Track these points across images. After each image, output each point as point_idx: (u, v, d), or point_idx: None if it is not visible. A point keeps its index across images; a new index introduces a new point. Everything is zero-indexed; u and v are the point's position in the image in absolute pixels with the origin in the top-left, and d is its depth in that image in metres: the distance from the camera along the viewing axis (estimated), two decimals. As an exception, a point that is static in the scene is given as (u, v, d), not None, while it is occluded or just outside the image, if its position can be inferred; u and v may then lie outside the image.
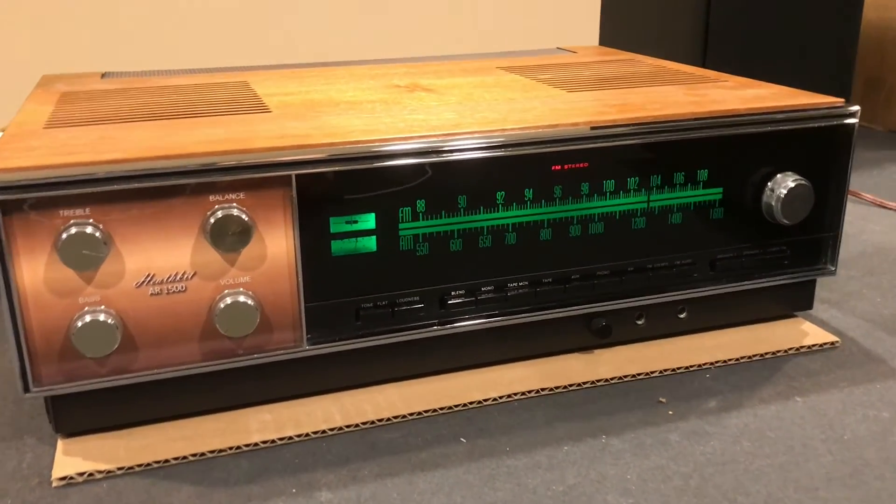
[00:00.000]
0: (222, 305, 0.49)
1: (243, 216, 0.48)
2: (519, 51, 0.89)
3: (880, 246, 0.82)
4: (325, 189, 0.51)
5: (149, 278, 0.48)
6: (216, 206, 0.48)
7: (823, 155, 0.61)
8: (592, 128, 0.56)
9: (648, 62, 0.80)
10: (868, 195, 0.96)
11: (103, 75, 0.77)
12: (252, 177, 0.49)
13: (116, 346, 0.48)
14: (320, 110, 0.60)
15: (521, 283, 0.57)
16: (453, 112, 0.59)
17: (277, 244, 0.50)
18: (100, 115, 0.58)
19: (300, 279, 0.51)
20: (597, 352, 0.60)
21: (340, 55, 0.94)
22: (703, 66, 0.99)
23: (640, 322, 0.61)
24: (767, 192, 0.60)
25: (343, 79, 0.73)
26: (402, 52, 0.97)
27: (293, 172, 0.49)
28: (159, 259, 0.48)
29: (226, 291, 0.50)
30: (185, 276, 0.49)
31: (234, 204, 0.49)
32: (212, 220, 0.48)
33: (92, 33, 0.95)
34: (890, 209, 0.93)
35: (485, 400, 0.54)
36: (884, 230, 0.86)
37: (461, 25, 1.15)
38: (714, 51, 1.06)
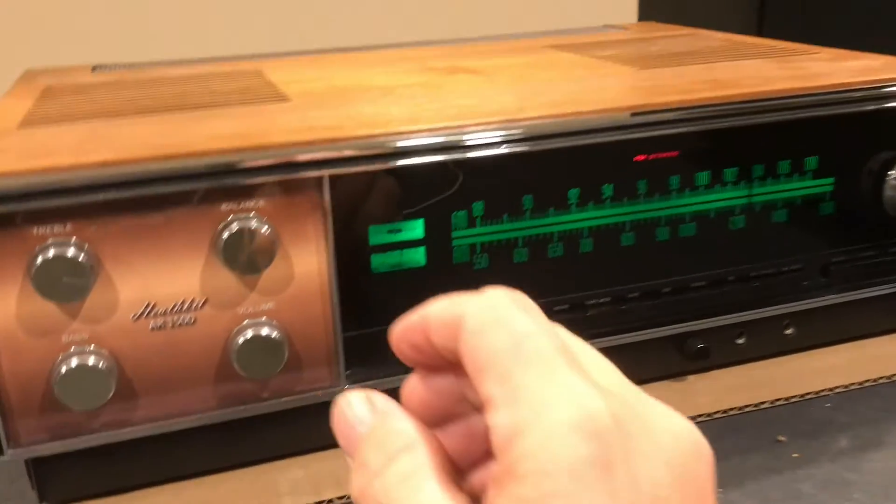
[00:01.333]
0: (241, 340, 0.40)
1: (264, 228, 0.38)
2: (564, 29, 0.79)
3: None
4: (364, 192, 0.41)
5: (149, 309, 0.39)
6: (230, 217, 0.38)
7: (953, 135, 0.51)
8: (684, 108, 0.46)
9: (717, 36, 0.70)
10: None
11: (94, 68, 0.67)
12: (274, 179, 0.39)
13: (111, 396, 0.38)
14: (349, 97, 0.50)
15: (601, 300, 0.47)
16: (511, 95, 0.49)
17: (307, 262, 0.40)
18: (87, 111, 0.49)
19: (336, 303, 0.41)
20: (690, 378, 0.50)
21: (359, 40, 0.84)
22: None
23: (739, 341, 0.51)
24: (890, 181, 0.50)
25: (369, 63, 0.63)
26: (431, 36, 0.88)
27: (325, 172, 0.39)
28: (161, 285, 0.38)
29: (245, 322, 0.40)
30: (194, 305, 0.39)
31: (253, 213, 0.39)
32: (225, 235, 0.38)
33: (82, 22, 0.86)
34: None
35: (564, 444, 0.45)
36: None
37: (483, 6, 1.05)
38: (771, 24, 0.95)
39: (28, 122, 0.46)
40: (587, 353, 0.26)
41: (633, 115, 0.45)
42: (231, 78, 0.58)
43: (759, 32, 0.97)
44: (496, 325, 0.23)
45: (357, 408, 0.26)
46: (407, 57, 0.65)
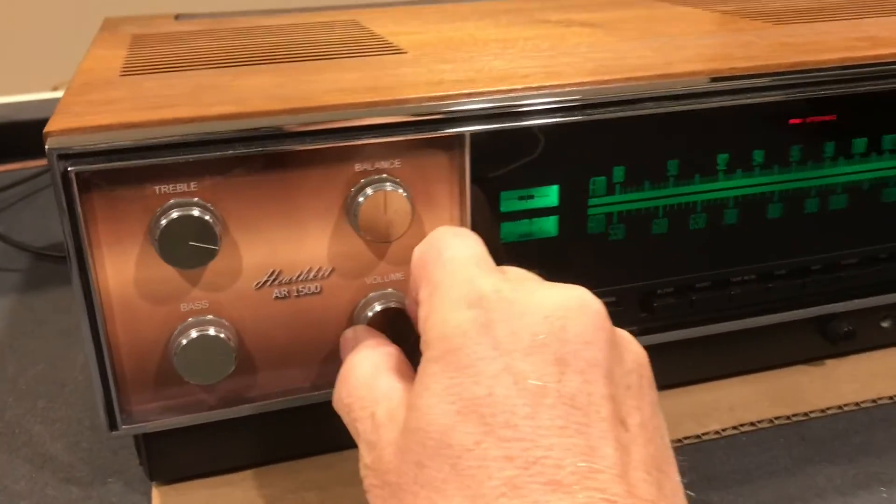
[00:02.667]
0: (369, 313, 0.36)
1: (401, 192, 0.35)
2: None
3: None
4: (502, 153, 0.37)
5: (273, 276, 0.36)
6: (363, 180, 0.35)
7: None
8: (844, 67, 0.41)
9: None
10: None
11: (177, 17, 0.64)
12: (413, 138, 0.35)
13: (232, 370, 0.35)
14: (469, 51, 0.46)
15: (745, 278, 0.43)
16: (648, 49, 0.45)
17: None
18: (190, 60, 0.45)
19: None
20: (829, 363, 0.47)
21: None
22: None
23: (885, 325, 0.47)
24: None
25: (473, 16, 0.59)
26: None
27: (467, 129, 0.36)
28: (287, 251, 0.35)
29: (371, 294, 0.37)
30: (321, 274, 0.36)
31: (386, 175, 0.35)
32: (360, 200, 0.35)
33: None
34: None
35: (704, 434, 0.41)
36: None
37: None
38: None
39: (129, 70, 0.43)
40: (509, 269, 0.32)
41: (791, 74, 0.41)
42: (331, 28, 0.55)
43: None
44: (429, 248, 0.31)
45: (349, 332, 0.36)
46: (509, 9, 0.61)
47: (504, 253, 0.39)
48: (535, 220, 0.40)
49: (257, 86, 0.39)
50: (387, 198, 0.34)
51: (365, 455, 0.29)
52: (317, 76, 0.40)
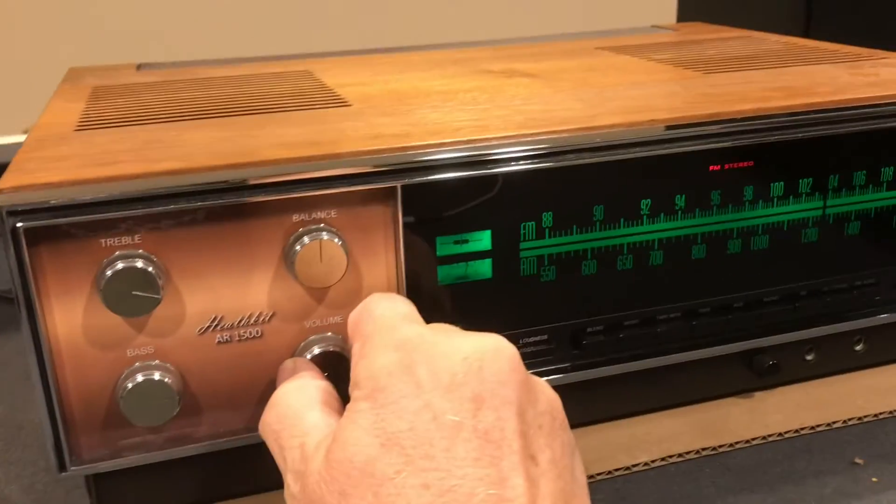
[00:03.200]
0: (308, 356, 0.38)
1: (336, 241, 0.37)
2: (612, 30, 0.77)
3: None
4: (434, 202, 0.40)
5: (216, 322, 0.37)
6: (301, 230, 0.37)
7: None
8: (760, 117, 0.44)
9: (773, 38, 0.68)
10: None
11: (139, 67, 0.66)
12: (348, 190, 0.37)
13: (176, 412, 0.37)
14: (410, 103, 0.48)
15: (672, 315, 0.45)
16: (578, 101, 0.47)
17: (376, 273, 0.39)
18: (142, 114, 0.47)
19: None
20: (758, 395, 0.49)
21: (405, 40, 0.83)
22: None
23: (809, 358, 0.49)
24: (969, 193, 0.48)
25: (422, 65, 0.62)
26: (469, 36, 0.86)
27: (399, 183, 0.38)
28: (228, 298, 0.37)
29: (311, 337, 0.39)
30: (262, 319, 0.38)
31: (324, 225, 0.38)
32: (297, 248, 0.37)
33: (119, 22, 0.85)
34: None
35: (633, 465, 0.43)
36: None
37: (530, 5, 1.03)
38: (818, 23, 0.93)
39: (84, 124, 0.45)
40: (437, 325, 0.34)
41: (710, 123, 0.43)
42: (283, 79, 0.57)
43: (806, 33, 0.95)
44: (362, 310, 0.34)
45: (284, 366, 0.37)
46: (458, 59, 0.64)
47: (442, 294, 0.41)
48: (470, 263, 0.42)
49: (203, 140, 0.41)
50: (322, 246, 0.37)
51: (291, 484, 0.31)
52: (262, 130, 0.43)
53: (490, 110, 0.46)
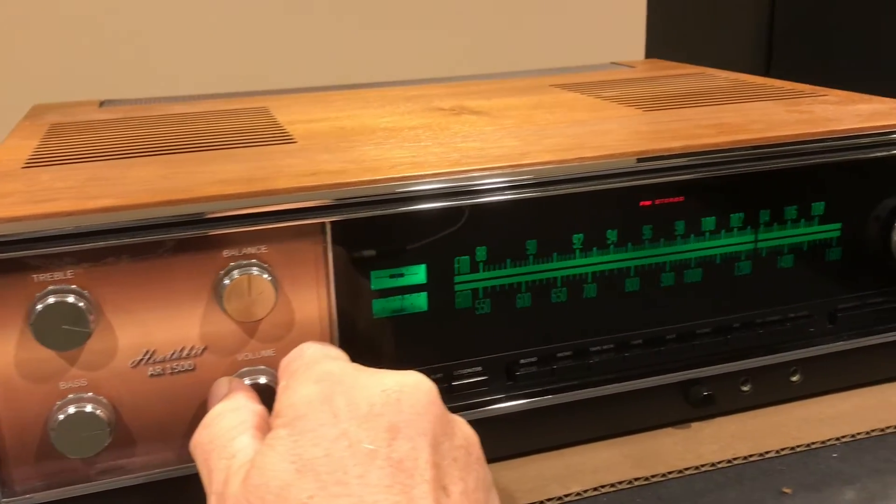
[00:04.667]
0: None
1: (265, 276, 0.38)
2: (571, 67, 0.79)
3: None
4: (366, 238, 0.41)
5: (148, 356, 0.38)
6: (232, 265, 0.38)
7: (961, 181, 0.50)
8: (689, 154, 0.46)
9: (723, 75, 0.70)
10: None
11: (102, 103, 0.67)
12: (277, 226, 0.39)
13: (108, 444, 0.38)
14: (354, 140, 0.50)
15: (604, 347, 0.46)
16: (515, 138, 0.49)
17: (308, 308, 0.40)
18: (92, 151, 0.49)
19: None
20: (695, 426, 0.50)
21: (369, 76, 0.84)
22: (768, 76, 0.89)
23: (745, 388, 0.50)
24: (898, 227, 0.49)
25: (376, 102, 0.63)
26: (435, 73, 0.88)
27: (328, 220, 0.39)
28: (160, 331, 0.38)
29: (243, 370, 0.40)
30: (194, 352, 0.39)
31: (254, 260, 0.39)
32: (226, 282, 0.38)
33: (90, 57, 0.86)
34: None
35: (566, 495, 0.44)
36: None
37: (495, 42, 1.05)
38: (779, 60, 0.95)
39: (33, 162, 0.46)
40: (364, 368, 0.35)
41: (638, 160, 0.45)
42: (237, 116, 0.59)
43: (768, 70, 0.97)
44: (294, 352, 0.35)
45: (219, 386, 0.38)
46: (412, 95, 0.66)
47: (377, 327, 0.42)
48: (406, 296, 0.43)
49: (145, 177, 0.42)
50: (250, 281, 0.38)
51: None
52: (204, 167, 0.44)
53: (429, 147, 0.47)
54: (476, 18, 1.03)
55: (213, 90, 0.74)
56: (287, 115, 0.58)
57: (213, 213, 0.38)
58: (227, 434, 0.33)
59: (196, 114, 0.60)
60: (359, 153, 0.46)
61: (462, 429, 0.33)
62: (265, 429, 0.34)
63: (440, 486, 0.30)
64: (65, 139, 0.53)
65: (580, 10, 1.08)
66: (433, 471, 0.29)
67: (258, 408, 0.35)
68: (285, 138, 0.51)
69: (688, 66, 0.78)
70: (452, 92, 0.66)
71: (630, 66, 0.80)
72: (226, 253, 0.38)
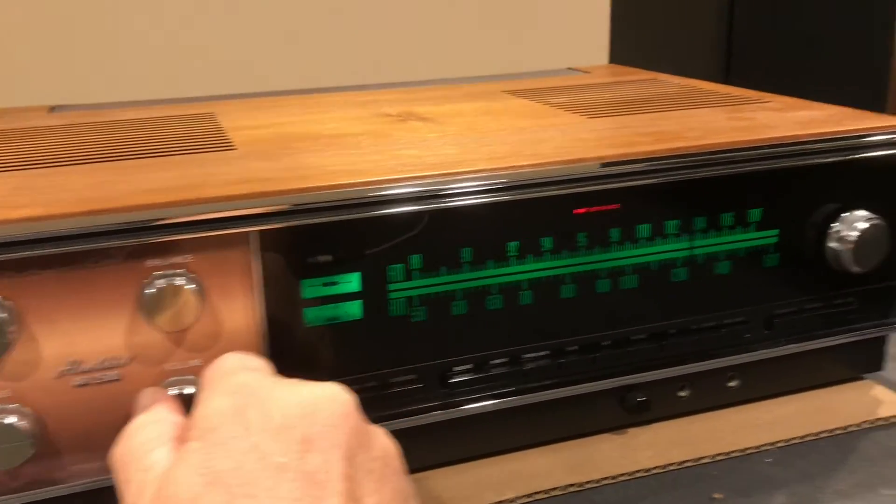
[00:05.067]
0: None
1: (190, 285, 0.38)
2: (527, 72, 0.79)
3: (944, 285, 0.71)
4: (297, 246, 0.41)
5: (73, 366, 0.38)
6: (155, 274, 0.38)
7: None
8: (623, 162, 0.46)
9: (674, 81, 0.71)
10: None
11: (52, 109, 0.67)
12: (202, 235, 0.39)
13: (32, 455, 0.38)
14: (295, 147, 0.50)
15: (539, 354, 0.47)
16: (454, 146, 0.49)
17: (236, 317, 0.40)
18: (32, 158, 0.48)
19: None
20: (632, 431, 0.50)
21: (329, 81, 0.84)
22: (727, 83, 0.90)
23: (682, 394, 0.51)
24: (832, 234, 0.50)
25: (327, 108, 0.63)
26: (398, 77, 0.88)
27: (253, 228, 0.39)
28: (85, 341, 0.38)
29: (172, 378, 0.40)
30: (120, 362, 0.39)
31: (181, 270, 0.39)
32: (149, 292, 0.38)
33: (45, 61, 0.86)
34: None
35: (500, 502, 0.44)
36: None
37: (461, 46, 1.06)
38: (737, 67, 0.96)
39: (-33, 170, 0.46)
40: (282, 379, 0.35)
41: (571, 169, 0.45)
42: (183, 122, 0.58)
43: (727, 76, 0.98)
44: (213, 364, 0.35)
45: (142, 397, 0.38)
46: (365, 101, 0.66)
47: (311, 336, 0.42)
48: (340, 304, 0.43)
49: (74, 186, 0.42)
50: (174, 291, 0.38)
51: None
52: (137, 175, 0.44)
53: (368, 155, 0.47)
54: (445, 23, 1.03)
55: (169, 95, 0.74)
56: (233, 121, 0.58)
57: (136, 222, 0.38)
58: (144, 447, 0.33)
59: (142, 120, 0.60)
60: (296, 160, 0.46)
61: (380, 440, 0.33)
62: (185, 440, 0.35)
63: (353, 499, 0.30)
64: (6, 146, 0.52)
65: (546, 16, 1.09)
66: (346, 483, 0.30)
67: (179, 419, 0.35)
68: (226, 145, 0.51)
69: (642, 71, 0.78)
70: (404, 98, 0.67)
71: (586, 71, 0.81)
72: (150, 263, 0.38)
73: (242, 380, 0.33)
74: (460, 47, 1.05)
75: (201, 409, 0.32)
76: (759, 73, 0.94)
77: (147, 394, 0.38)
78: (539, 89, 0.68)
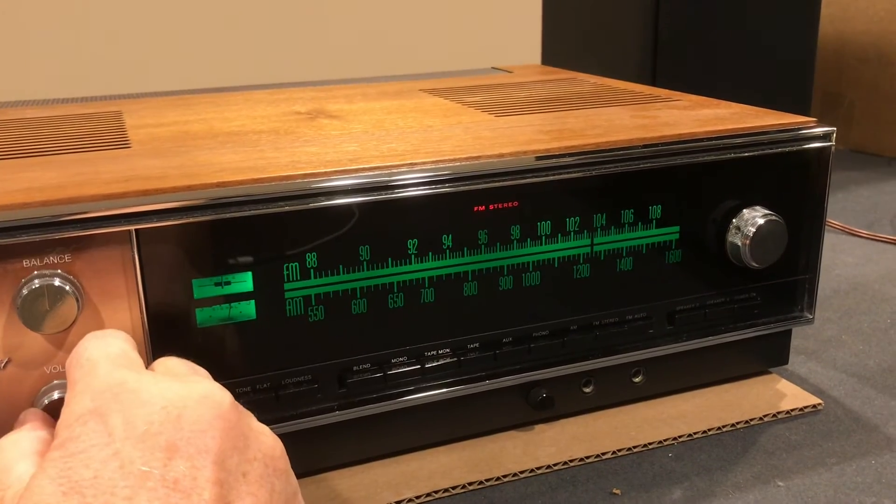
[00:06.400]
0: (46, 401, 0.38)
1: (66, 286, 0.37)
2: (450, 71, 0.79)
3: (855, 281, 0.73)
4: (183, 245, 0.40)
5: (-57, 370, 0.37)
6: (33, 274, 0.37)
7: (795, 184, 0.52)
8: (522, 159, 0.46)
9: (591, 81, 0.71)
10: (836, 222, 0.88)
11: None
12: (80, 234, 0.37)
13: None
14: (192, 144, 0.49)
15: (441, 352, 0.46)
16: (355, 143, 0.48)
17: (119, 318, 0.39)
18: (-87, 157, 0.47)
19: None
20: (538, 428, 0.50)
21: (252, 80, 0.83)
22: (654, 84, 0.91)
23: (587, 390, 0.51)
24: (732, 230, 0.50)
25: (237, 105, 0.62)
26: (322, 76, 0.87)
27: (132, 227, 0.38)
28: (-43, 344, 0.37)
29: (55, 382, 0.39)
30: (-5, 365, 0.38)
31: (59, 270, 0.37)
32: (24, 292, 0.37)
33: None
34: (861, 237, 0.85)
35: (398, 502, 0.44)
36: (857, 262, 0.78)
37: (390, 45, 1.05)
38: (663, 67, 0.97)
39: None
40: (163, 362, 0.36)
41: (469, 166, 0.45)
42: (86, 121, 0.57)
43: (654, 74, 0.99)
44: (74, 353, 0.34)
45: (21, 415, 0.36)
46: (278, 99, 0.65)
47: (202, 337, 0.41)
48: (233, 304, 0.42)
49: (-49, 185, 0.41)
50: (48, 291, 0.37)
51: None
52: (18, 174, 0.43)
53: (265, 152, 0.47)
54: (377, 20, 1.03)
55: (82, 94, 0.72)
56: (138, 119, 0.57)
57: (12, 221, 0.37)
58: (5, 465, 0.32)
59: (42, 119, 0.58)
60: (188, 158, 0.45)
61: (259, 440, 0.32)
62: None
63: (225, 503, 0.29)
64: None
65: (479, 17, 1.09)
66: (215, 488, 0.29)
67: (43, 434, 0.34)
68: (122, 143, 0.49)
69: (564, 71, 0.79)
70: (318, 96, 0.66)
71: (508, 71, 0.81)
72: (27, 263, 0.37)
73: (105, 382, 0.31)
74: (392, 48, 1.04)
75: (64, 414, 0.31)
76: (683, 75, 0.95)
77: (19, 417, 0.37)
78: (454, 88, 0.68)
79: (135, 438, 0.29)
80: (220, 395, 0.31)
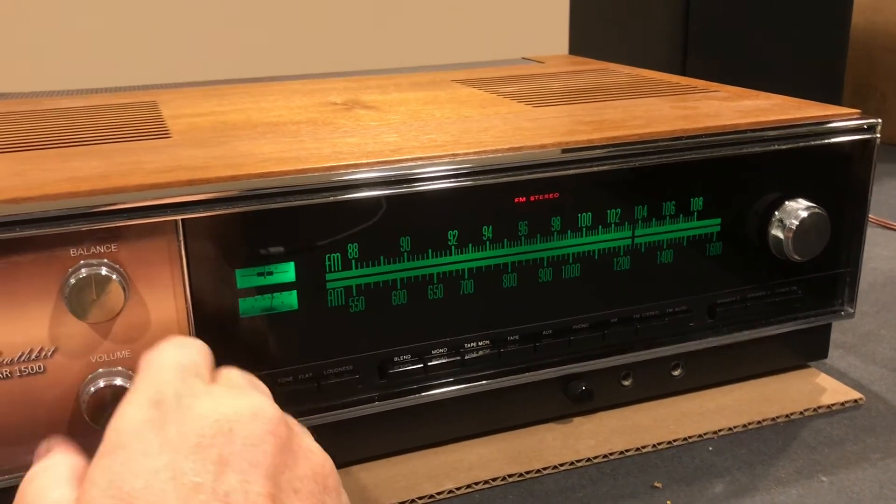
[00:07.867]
0: (92, 389, 0.38)
1: (113, 275, 0.37)
2: (480, 62, 0.79)
3: (891, 275, 0.72)
4: (228, 235, 0.40)
5: (-7, 358, 0.37)
6: (80, 263, 0.37)
7: (838, 177, 0.51)
8: (563, 150, 0.46)
9: (625, 71, 0.71)
10: (871, 215, 0.86)
11: (-9, 97, 0.65)
12: (126, 224, 0.38)
13: (-52, 450, 0.36)
14: (231, 134, 0.49)
15: (480, 343, 0.46)
16: (395, 134, 0.48)
17: (164, 308, 0.39)
18: (-44, 146, 0.47)
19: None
20: (576, 420, 0.50)
21: (282, 70, 0.83)
22: (683, 74, 0.90)
23: (626, 383, 0.51)
24: (775, 222, 0.50)
25: (272, 96, 0.62)
26: (352, 66, 0.87)
27: (178, 217, 0.38)
28: (7, 333, 0.37)
29: (99, 370, 0.39)
30: (43, 354, 0.38)
31: (105, 259, 0.38)
32: (72, 282, 0.37)
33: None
34: (895, 230, 0.84)
35: (438, 493, 0.44)
36: (892, 255, 0.77)
37: (419, 36, 1.05)
38: (694, 58, 0.96)
39: None
40: (225, 374, 0.34)
41: (510, 157, 0.44)
42: (123, 111, 0.57)
43: (683, 64, 0.98)
44: (150, 353, 0.33)
45: (43, 444, 0.35)
46: (313, 90, 0.65)
47: (245, 327, 0.42)
48: (275, 294, 0.42)
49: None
50: (96, 280, 0.37)
51: None
52: (62, 164, 0.43)
53: (305, 143, 0.47)
54: (409, 12, 1.02)
55: (116, 84, 0.72)
56: (175, 109, 0.57)
57: (59, 210, 0.37)
58: (38, 494, 0.31)
59: (80, 108, 0.58)
60: (229, 148, 0.45)
61: (309, 458, 0.31)
62: (84, 476, 0.31)
63: None
64: (-67, 134, 0.51)
65: (507, 7, 1.08)
66: (268, 503, 0.28)
67: (73, 458, 0.33)
68: (161, 133, 0.49)
69: (595, 62, 0.78)
70: (353, 86, 0.66)
71: (540, 61, 0.80)
72: (74, 252, 0.37)
73: (165, 392, 0.31)
74: (421, 38, 1.04)
75: (116, 419, 0.30)
76: (714, 65, 0.94)
77: (42, 447, 0.36)
78: (489, 79, 0.68)
79: (187, 450, 0.29)
80: (271, 411, 0.31)
